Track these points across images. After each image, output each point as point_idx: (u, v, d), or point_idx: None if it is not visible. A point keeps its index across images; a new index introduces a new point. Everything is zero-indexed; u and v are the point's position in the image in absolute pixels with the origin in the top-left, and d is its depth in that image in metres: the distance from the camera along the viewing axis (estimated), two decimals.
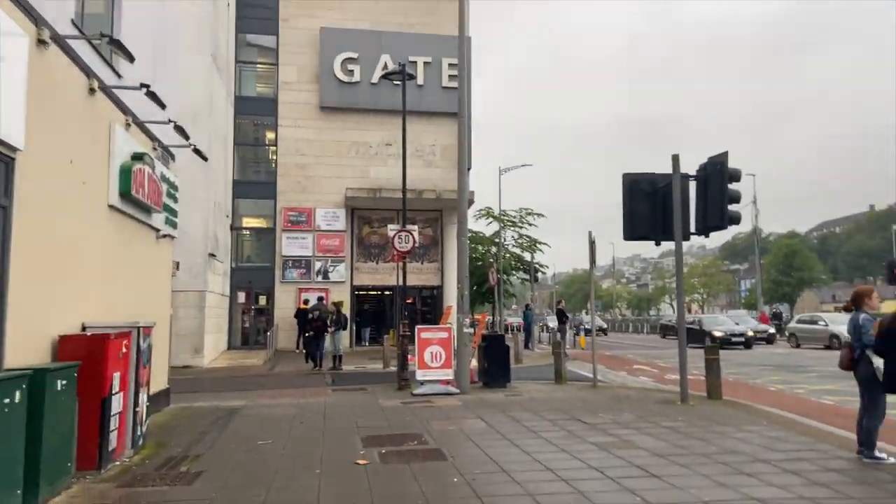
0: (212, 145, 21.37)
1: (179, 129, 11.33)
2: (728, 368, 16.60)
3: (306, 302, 24.65)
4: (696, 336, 26.50)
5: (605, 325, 49.93)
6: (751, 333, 28.60)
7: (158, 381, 10.63)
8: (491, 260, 35.73)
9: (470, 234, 31.57)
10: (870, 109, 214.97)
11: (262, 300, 26.52)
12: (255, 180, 28.04)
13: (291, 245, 26.43)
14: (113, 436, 6.87)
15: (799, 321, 30.19)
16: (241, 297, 26.15)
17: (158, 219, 10.38)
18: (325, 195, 26.69)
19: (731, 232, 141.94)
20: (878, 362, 6.60)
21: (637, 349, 29.02)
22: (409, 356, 13.85)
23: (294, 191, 26.69)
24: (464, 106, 13.20)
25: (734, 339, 27.35)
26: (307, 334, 18.74)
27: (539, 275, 29.83)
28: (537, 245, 41.25)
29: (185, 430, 9.05)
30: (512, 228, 42.13)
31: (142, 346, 7.59)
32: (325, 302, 25.38)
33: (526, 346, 24.11)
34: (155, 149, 10.43)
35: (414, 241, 13.92)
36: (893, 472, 6.36)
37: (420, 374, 12.67)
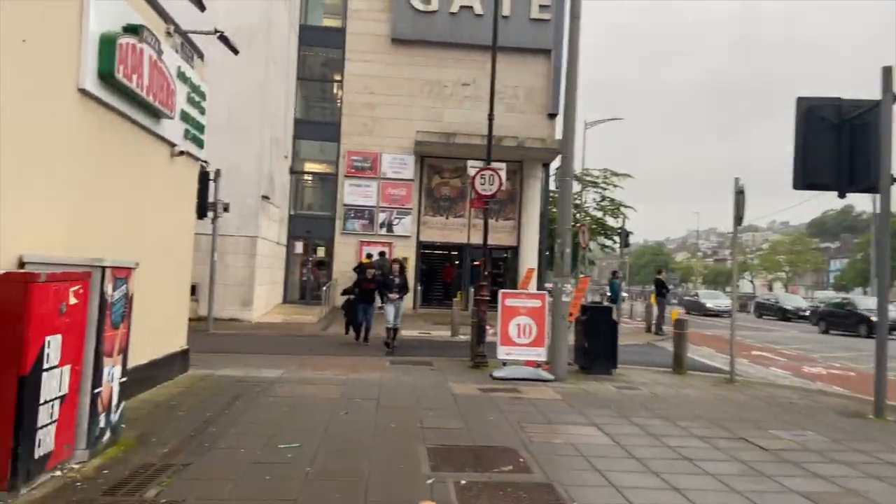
0: (269, 72, 18.87)
1: (224, 40, 8.82)
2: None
3: (369, 256, 22.22)
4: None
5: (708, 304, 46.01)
6: None
7: (168, 341, 8.21)
8: (579, 221, 32.41)
9: (549, 194, 28.35)
10: None
11: (321, 252, 24.20)
12: (318, 120, 25.50)
13: (354, 193, 23.91)
14: (46, 434, 4.36)
15: None
16: (299, 247, 23.89)
17: (173, 129, 7.81)
18: (393, 139, 23.93)
19: (820, 207, 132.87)
20: None
21: (739, 330, 25.30)
22: (487, 326, 11.09)
23: (359, 133, 24.03)
24: (577, 4, 9.99)
25: None
26: (350, 296, 14.03)
27: (629, 239, 26.47)
28: (622, 208, 37.64)
29: (186, 416, 6.55)
30: (594, 189, 38.63)
31: (109, 297, 5.04)
32: (387, 258, 22.93)
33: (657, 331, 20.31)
34: (170, 34, 7.82)
35: (500, 182, 11.01)
36: None
37: (503, 352, 9.88)
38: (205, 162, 16.02)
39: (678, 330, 11.35)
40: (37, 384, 4.21)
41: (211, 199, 15.70)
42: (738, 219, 10.40)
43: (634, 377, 10.39)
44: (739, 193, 10.34)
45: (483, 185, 11.02)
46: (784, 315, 34.56)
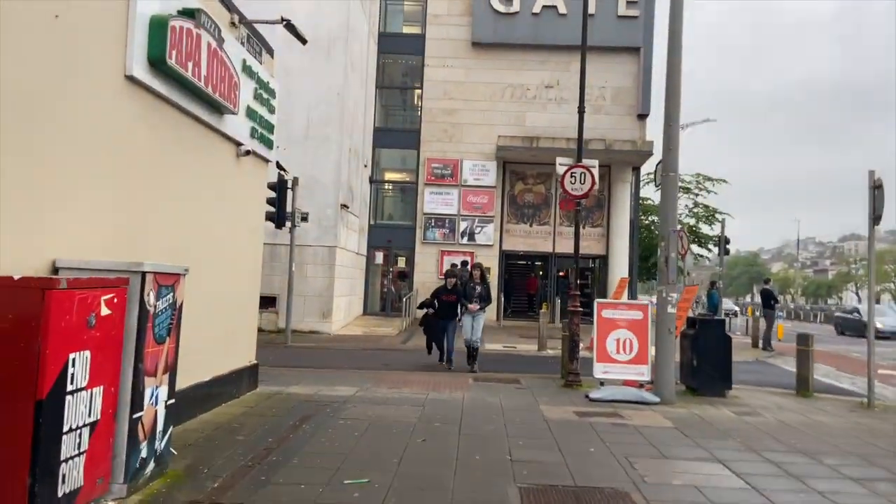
0: (348, 79, 18.50)
1: (290, 28, 8.33)
2: None
3: (452, 266, 21.47)
4: None
5: (735, 309, 42.99)
6: None
7: (234, 355, 7.63)
8: (679, 226, 30.50)
9: (640, 202, 26.75)
10: None
11: (401, 262, 23.63)
12: (397, 128, 25.08)
13: (434, 201, 23.25)
14: (73, 467, 3.72)
15: None
16: (379, 257, 23.43)
17: (237, 126, 7.25)
18: (474, 145, 23.14)
19: None
20: None
21: (830, 343, 22.78)
22: (581, 343, 10.01)
23: (439, 140, 23.39)
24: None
25: None
26: (427, 311, 12.09)
27: (728, 247, 24.50)
28: (717, 215, 35.29)
29: (246, 441, 5.86)
30: (686, 195, 36.46)
31: (151, 307, 4.39)
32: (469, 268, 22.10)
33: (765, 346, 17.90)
34: (234, 24, 7.28)
35: (593, 181, 9.93)
36: None
37: (599, 369, 8.78)
38: (283, 170, 15.84)
39: (802, 346, 9.87)
40: (58, 409, 3.57)
41: (289, 208, 15.44)
42: (876, 218, 8.88)
43: (752, 400, 9.03)
44: (877, 189, 8.84)
45: (573, 184, 9.97)
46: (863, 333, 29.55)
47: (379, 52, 23.71)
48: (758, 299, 24.06)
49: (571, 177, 10.04)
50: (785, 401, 9.15)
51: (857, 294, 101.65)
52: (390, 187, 25.46)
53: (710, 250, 35.99)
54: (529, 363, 12.92)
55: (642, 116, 23.09)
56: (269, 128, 8.40)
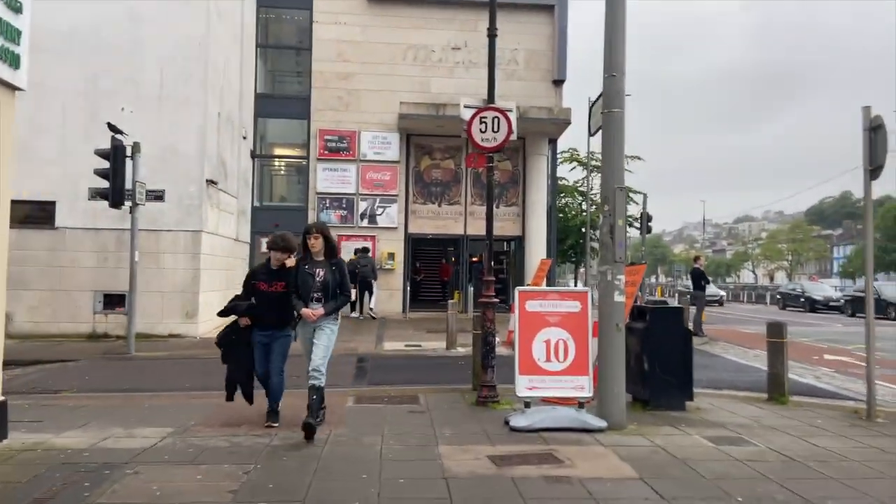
0: (213, 26, 15.23)
1: None
2: None
3: (356, 252, 18.73)
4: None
5: (721, 294, 42.67)
6: None
7: None
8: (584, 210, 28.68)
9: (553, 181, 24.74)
10: None
11: None
12: (283, 94, 21.86)
13: (329, 179, 20.23)
14: None
15: None
16: (264, 244, 20.21)
17: None
18: (374, 115, 20.27)
19: (818, 195, 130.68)
20: None
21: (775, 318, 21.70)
22: (497, 338, 7.53)
23: (333, 108, 20.35)
24: None
25: None
26: (235, 320, 6.28)
27: (650, 225, 22.85)
28: (631, 194, 34.05)
29: None
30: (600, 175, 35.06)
31: None
32: (369, 253, 19.37)
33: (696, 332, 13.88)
34: None
35: (509, 129, 7.45)
36: None
37: (524, 384, 6.27)
38: (120, 132, 12.52)
39: (774, 337, 7.75)
40: None
41: (129, 183, 12.19)
42: (874, 170, 6.80)
43: (721, 414, 6.82)
44: (874, 130, 6.76)
45: (484, 132, 7.44)
46: (812, 306, 31.38)
47: (259, 7, 20.39)
48: (664, 280, 22.52)
49: (481, 123, 7.49)
50: (761, 412, 6.99)
51: (753, 272, 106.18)
52: (277, 163, 22.25)
53: (649, 223, 34.87)
54: (435, 368, 10.39)
55: (558, 82, 20.93)
56: (11, 34, 5.35)
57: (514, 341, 6.45)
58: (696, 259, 17.25)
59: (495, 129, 7.44)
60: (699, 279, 15.98)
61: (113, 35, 14.46)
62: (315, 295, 5.91)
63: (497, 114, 7.46)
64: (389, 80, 20.40)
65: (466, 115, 7.63)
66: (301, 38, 21.07)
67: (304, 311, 5.88)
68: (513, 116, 7.63)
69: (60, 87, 14.11)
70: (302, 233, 6.05)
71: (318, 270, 5.95)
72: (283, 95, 21.68)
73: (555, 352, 6.31)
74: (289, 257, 6.17)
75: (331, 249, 6.09)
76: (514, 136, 7.73)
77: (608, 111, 6.40)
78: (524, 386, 6.27)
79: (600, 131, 7.18)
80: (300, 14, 20.74)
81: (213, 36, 15.24)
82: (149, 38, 14.64)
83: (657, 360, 7.15)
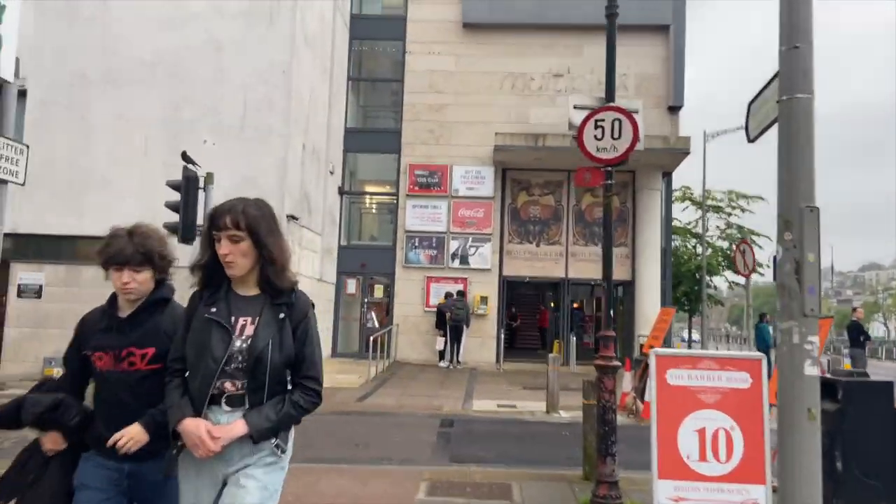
0: (298, 53, 14.39)
1: None
2: None
3: (447, 296, 17.27)
4: None
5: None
6: None
7: None
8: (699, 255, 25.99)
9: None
10: None
11: (378, 290, 19.15)
12: (373, 128, 20.91)
13: (419, 216, 18.91)
14: None
15: None
16: (351, 285, 19.03)
17: None
18: (467, 147, 18.88)
19: None
20: None
21: None
22: (616, 411, 5.55)
23: (424, 142, 19.15)
24: None
25: None
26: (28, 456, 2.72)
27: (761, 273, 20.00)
28: (754, 237, 30.75)
29: None
30: (717, 215, 32.02)
31: None
32: (463, 297, 17.73)
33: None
34: None
35: (635, 135, 5.59)
36: None
37: (667, 492, 4.27)
38: (192, 163, 11.62)
39: None
40: None
41: (200, 219, 11.18)
42: None
43: None
44: None
45: (600, 140, 5.65)
46: None
47: (351, 39, 19.70)
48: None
49: (597, 128, 5.69)
50: None
51: (885, 325, 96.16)
52: (368, 201, 21.21)
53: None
54: (533, 438, 8.45)
55: (674, 109, 18.79)
56: None
57: (651, 426, 4.48)
58: (854, 310, 14.39)
59: (615, 135, 5.61)
60: (858, 334, 13.15)
61: (195, 64, 13.88)
62: (226, 384, 2.42)
63: (619, 114, 5.63)
64: (484, 110, 19.02)
65: (577, 118, 5.87)
66: (393, 69, 20.13)
67: (189, 424, 2.36)
68: (639, 119, 5.77)
69: (142, 118, 13.60)
70: (206, 218, 2.61)
71: (239, 320, 2.51)
72: (373, 129, 20.73)
73: (713, 447, 4.29)
74: (149, 282, 2.80)
75: (277, 271, 2.56)
76: (640, 146, 5.85)
77: (789, 97, 4.40)
78: (667, 496, 4.27)
79: (764, 133, 5.20)
80: (393, 45, 19.86)
81: (297, 63, 14.38)
82: (231, 65, 13.98)
83: (855, 458, 4.95)
